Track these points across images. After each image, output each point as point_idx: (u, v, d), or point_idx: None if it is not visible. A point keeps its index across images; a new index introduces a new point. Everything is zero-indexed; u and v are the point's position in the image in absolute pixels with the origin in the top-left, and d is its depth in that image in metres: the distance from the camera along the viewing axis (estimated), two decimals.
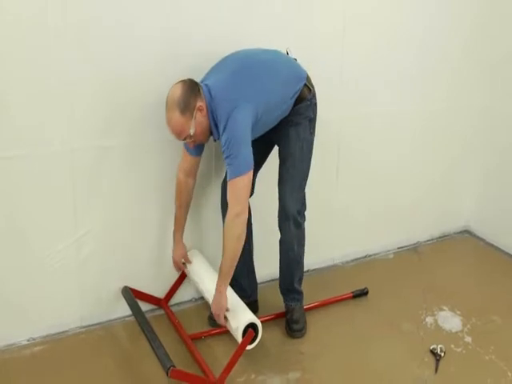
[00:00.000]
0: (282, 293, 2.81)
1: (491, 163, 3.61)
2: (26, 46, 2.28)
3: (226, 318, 2.41)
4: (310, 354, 2.63)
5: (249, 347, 2.39)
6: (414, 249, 3.59)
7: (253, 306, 2.70)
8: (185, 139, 2.36)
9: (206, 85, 2.36)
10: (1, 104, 2.30)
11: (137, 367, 2.51)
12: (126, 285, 2.76)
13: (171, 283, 2.87)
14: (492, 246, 3.63)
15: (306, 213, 2.67)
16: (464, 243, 3.72)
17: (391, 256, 3.51)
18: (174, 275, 2.85)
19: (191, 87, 2.31)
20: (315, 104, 2.56)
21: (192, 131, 2.31)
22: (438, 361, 2.58)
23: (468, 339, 2.74)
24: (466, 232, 3.80)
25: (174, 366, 2.23)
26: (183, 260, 2.75)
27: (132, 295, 2.72)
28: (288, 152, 2.55)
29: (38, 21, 2.27)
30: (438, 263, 3.44)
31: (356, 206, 3.32)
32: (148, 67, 2.52)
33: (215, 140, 2.44)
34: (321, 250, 3.21)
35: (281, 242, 2.69)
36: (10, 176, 2.40)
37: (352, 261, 3.41)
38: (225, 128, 2.28)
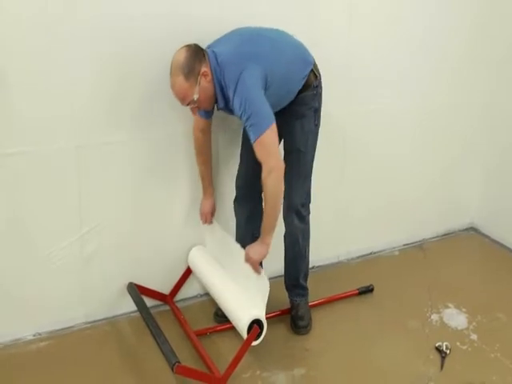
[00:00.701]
0: (287, 288, 2.80)
1: (495, 160, 3.59)
2: (28, 40, 2.28)
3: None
4: (315, 351, 2.63)
5: (254, 343, 2.39)
6: (420, 246, 3.58)
7: None
8: (188, 104, 2.33)
9: (213, 51, 2.33)
10: (4, 100, 2.31)
11: (142, 363, 2.52)
12: (131, 281, 2.76)
13: (176, 279, 2.87)
14: (497, 243, 3.61)
15: (310, 206, 2.67)
16: (469, 240, 3.70)
17: (396, 253, 3.50)
18: (180, 271, 2.86)
19: (196, 52, 2.29)
20: (320, 94, 2.55)
21: (196, 97, 2.29)
22: (443, 358, 2.58)
23: (473, 337, 2.73)
24: (472, 229, 3.79)
25: (179, 362, 2.24)
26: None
27: (137, 291, 2.72)
28: (293, 146, 2.55)
29: (39, 15, 2.27)
30: (444, 260, 3.43)
31: (361, 203, 3.31)
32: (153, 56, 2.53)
33: (218, 109, 2.42)
34: (326, 246, 3.21)
35: (285, 235, 2.69)
36: (15, 173, 2.41)
37: (357, 258, 3.41)
38: (235, 92, 2.24)
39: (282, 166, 2.28)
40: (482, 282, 3.24)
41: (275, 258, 2.77)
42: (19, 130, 2.37)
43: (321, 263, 3.26)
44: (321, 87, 2.55)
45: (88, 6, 2.34)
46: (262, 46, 2.38)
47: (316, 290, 2.89)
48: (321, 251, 3.13)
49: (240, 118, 2.27)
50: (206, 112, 2.53)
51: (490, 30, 3.38)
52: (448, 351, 2.61)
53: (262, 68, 2.28)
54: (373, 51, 3.06)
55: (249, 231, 2.70)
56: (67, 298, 2.67)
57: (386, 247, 3.50)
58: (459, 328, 2.80)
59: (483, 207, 3.73)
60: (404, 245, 3.56)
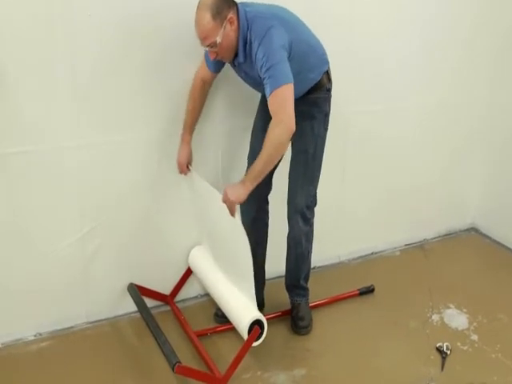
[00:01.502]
0: (288, 289, 2.80)
1: (496, 161, 3.60)
2: (28, 38, 2.28)
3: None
4: (315, 351, 2.63)
5: (254, 344, 2.39)
6: (421, 246, 3.58)
7: (259, 305, 2.70)
8: (209, 46, 2.26)
9: (244, 7, 2.31)
10: (6, 99, 2.31)
11: (143, 363, 2.52)
12: (131, 281, 2.76)
13: (177, 280, 2.87)
14: (498, 243, 3.61)
15: (315, 209, 2.67)
16: (470, 241, 3.70)
17: (397, 253, 3.50)
18: (180, 272, 2.86)
19: None
20: (330, 99, 2.56)
21: (218, 40, 2.24)
22: (444, 359, 2.57)
23: (474, 337, 2.73)
24: (473, 229, 3.79)
25: (179, 362, 2.24)
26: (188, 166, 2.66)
27: (138, 292, 2.72)
28: (302, 148, 2.55)
29: (40, 14, 2.27)
30: (445, 261, 3.43)
31: (362, 203, 3.31)
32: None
33: (235, 65, 2.40)
34: (327, 247, 3.21)
35: (289, 236, 2.69)
36: (15, 172, 2.41)
37: (358, 258, 3.41)
38: (260, 42, 2.22)
39: (293, 124, 2.21)
40: (482, 282, 3.24)
41: (276, 259, 2.79)
42: (19, 130, 2.37)
43: (322, 263, 3.26)
44: (331, 92, 2.56)
45: (88, 8, 2.34)
46: (293, 16, 2.41)
47: (317, 291, 2.89)
48: (322, 251, 3.12)
49: (260, 69, 2.24)
50: (216, 64, 2.48)
51: (490, 29, 3.38)
52: (449, 352, 2.61)
53: (288, 35, 2.27)
54: (373, 51, 3.06)
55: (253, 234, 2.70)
56: (68, 298, 2.67)
57: (387, 247, 3.50)
58: (460, 328, 2.80)
59: (484, 207, 3.73)
60: (405, 245, 3.56)
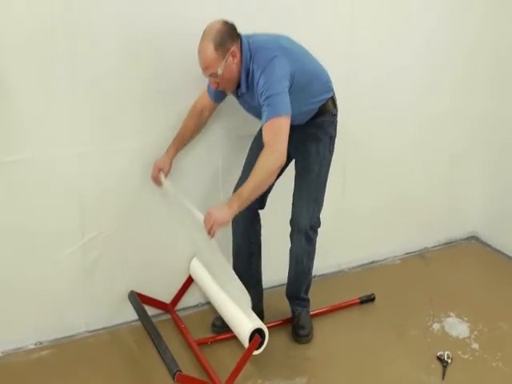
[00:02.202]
0: (289, 298, 2.81)
1: (496, 169, 3.60)
2: (32, 44, 2.30)
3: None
4: (316, 360, 2.62)
5: (255, 353, 2.39)
6: (421, 255, 3.58)
7: (259, 316, 2.70)
8: (210, 75, 2.29)
9: (247, 38, 2.34)
10: (7, 106, 2.32)
11: (143, 371, 2.51)
12: (132, 289, 2.76)
13: (178, 288, 2.87)
14: (499, 252, 3.61)
15: (319, 229, 2.67)
16: (471, 249, 3.70)
17: (398, 262, 3.50)
18: (181, 280, 2.86)
19: (232, 29, 2.29)
20: (336, 125, 2.59)
21: (219, 71, 2.26)
22: (444, 367, 2.57)
23: (475, 346, 2.73)
24: (473, 238, 3.79)
25: (180, 371, 2.24)
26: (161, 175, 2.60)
27: (139, 300, 2.72)
28: (306, 167, 2.55)
29: (44, 20, 2.30)
30: (445, 269, 3.43)
31: (362, 212, 3.31)
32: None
33: (238, 96, 2.42)
34: (327, 255, 3.19)
35: (291, 253, 2.70)
36: (15, 180, 2.42)
37: (358, 266, 3.41)
38: (263, 72, 2.24)
39: (284, 156, 2.20)
40: (483, 290, 3.23)
41: (277, 268, 2.79)
42: (20, 137, 2.38)
43: (322, 272, 3.26)
44: (337, 118, 2.58)
45: (90, 11, 2.37)
46: (296, 47, 2.44)
47: (317, 299, 2.89)
48: (322, 260, 3.10)
49: (260, 96, 2.25)
50: (217, 93, 2.51)
51: (491, 35, 3.39)
52: (449, 360, 2.60)
53: (291, 65, 2.30)
54: (375, 56, 3.08)
55: (246, 243, 2.71)
56: (69, 306, 2.67)
57: (388, 256, 3.50)
58: (461, 337, 2.79)
59: (485, 216, 3.72)
60: (405, 254, 3.56)
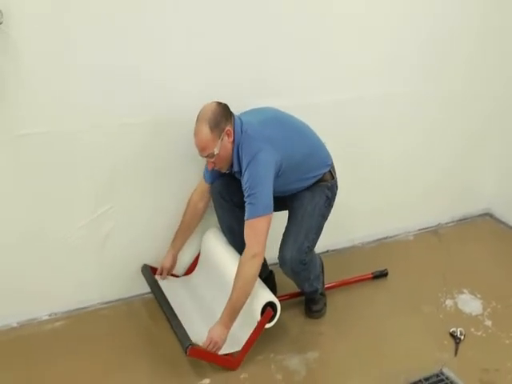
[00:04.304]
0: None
1: (510, 145, 3.55)
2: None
3: None
4: (328, 335, 2.63)
5: (267, 326, 2.40)
6: (435, 231, 3.56)
7: (269, 279, 2.72)
8: (207, 156, 2.36)
9: (240, 118, 2.40)
10: (20, 79, 2.30)
11: (156, 344, 2.53)
12: (145, 262, 2.77)
13: (190, 261, 2.88)
14: None
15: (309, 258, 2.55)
16: (485, 226, 3.67)
17: (411, 238, 3.48)
18: (193, 253, 2.86)
19: (225, 110, 2.37)
20: (335, 192, 2.59)
21: (216, 151, 2.33)
22: (457, 344, 2.57)
23: (488, 323, 2.72)
24: (487, 214, 3.76)
25: (192, 345, 2.25)
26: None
27: (151, 273, 2.73)
28: (299, 205, 2.52)
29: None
30: (459, 246, 3.41)
31: (376, 188, 3.29)
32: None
33: (233, 172, 2.46)
34: (340, 231, 3.19)
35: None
36: (29, 154, 2.41)
37: (372, 242, 3.39)
38: (247, 166, 2.31)
39: (263, 256, 2.33)
40: (497, 267, 3.21)
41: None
42: (33, 111, 2.36)
43: (335, 247, 3.26)
44: (336, 187, 2.58)
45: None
46: (285, 130, 2.46)
47: (330, 274, 2.88)
48: (335, 235, 3.11)
49: (244, 190, 2.33)
50: (212, 175, 2.58)
51: (503, 22, 3.30)
52: (462, 337, 2.60)
53: (278, 154, 2.34)
54: (383, 44, 3.01)
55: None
56: (83, 278, 2.69)
57: (401, 232, 3.48)
58: (474, 314, 2.79)
59: (499, 192, 3.69)
60: (419, 229, 3.54)
